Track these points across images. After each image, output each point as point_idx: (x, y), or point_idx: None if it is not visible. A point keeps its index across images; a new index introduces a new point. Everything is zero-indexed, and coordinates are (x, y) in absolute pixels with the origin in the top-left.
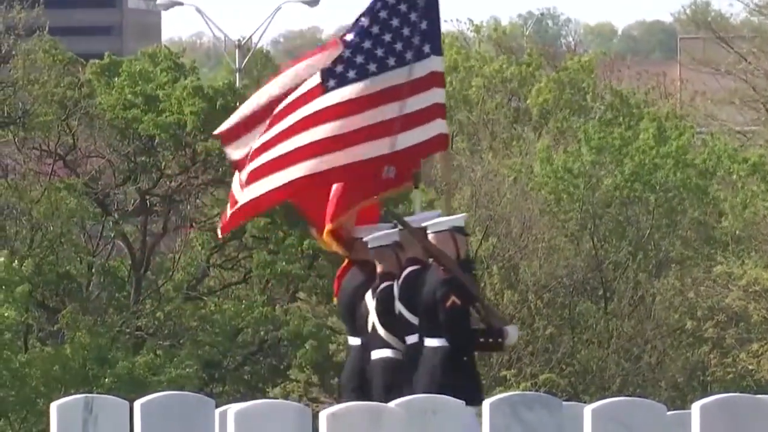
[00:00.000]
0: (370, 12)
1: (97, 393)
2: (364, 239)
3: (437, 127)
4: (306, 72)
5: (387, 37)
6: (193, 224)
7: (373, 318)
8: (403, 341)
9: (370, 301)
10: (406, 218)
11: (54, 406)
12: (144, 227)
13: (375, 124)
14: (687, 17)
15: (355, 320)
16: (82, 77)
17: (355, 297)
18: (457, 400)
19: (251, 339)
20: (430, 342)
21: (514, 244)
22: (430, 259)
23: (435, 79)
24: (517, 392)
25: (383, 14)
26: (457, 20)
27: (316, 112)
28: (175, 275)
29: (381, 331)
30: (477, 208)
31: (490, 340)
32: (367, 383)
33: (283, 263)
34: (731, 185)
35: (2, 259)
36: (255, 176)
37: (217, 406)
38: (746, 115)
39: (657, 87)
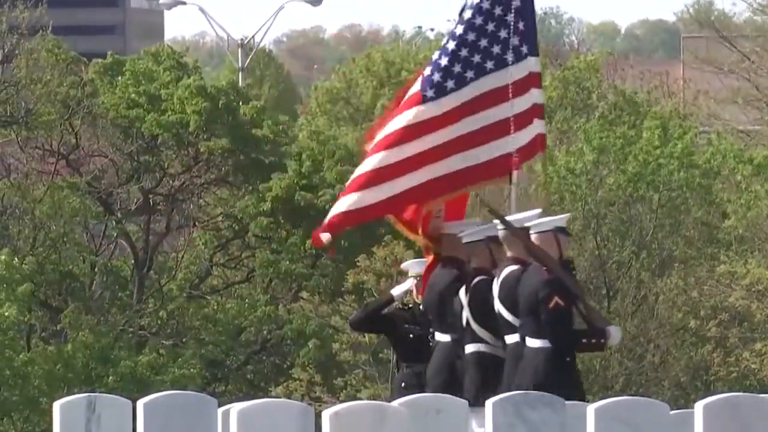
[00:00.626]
0: (461, 20)
1: (100, 392)
2: (458, 235)
3: (537, 127)
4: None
5: (483, 42)
6: (196, 223)
7: (466, 313)
8: (499, 338)
9: (463, 296)
10: (508, 217)
11: (57, 406)
12: (147, 226)
13: (477, 130)
14: (690, 16)
15: (445, 316)
16: (85, 76)
17: (445, 293)
18: (461, 400)
19: (254, 338)
20: (532, 342)
21: None
22: (530, 260)
23: (533, 80)
24: (520, 391)
25: (479, 20)
26: None
27: (417, 123)
28: (178, 274)
29: (474, 326)
30: (480, 207)
31: (593, 340)
32: (457, 378)
33: (286, 262)
34: (735, 185)
35: (3, 257)
36: (358, 185)
37: (219, 405)
38: (749, 115)
39: (660, 86)
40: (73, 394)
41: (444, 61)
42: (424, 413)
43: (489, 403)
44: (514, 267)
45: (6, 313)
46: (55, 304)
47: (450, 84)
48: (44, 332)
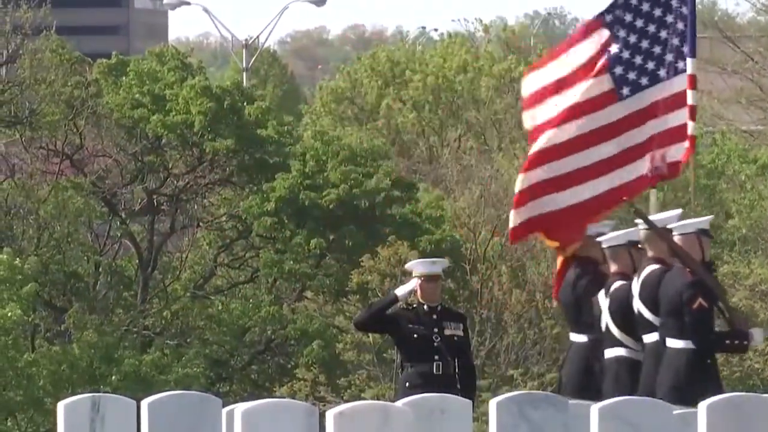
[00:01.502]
0: (641, 13)
1: (104, 392)
2: (597, 239)
3: (689, 130)
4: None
5: (675, 41)
6: (200, 223)
7: (606, 317)
8: (639, 340)
9: (603, 300)
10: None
11: (61, 406)
12: (151, 227)
13: (659, 133)
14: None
15: (580, 317)
16: (89, 77)
17: (581, 294)
18: (465, 400)
19: (258, 338)
20: (674, 343)
21: (522, 244)
22: (672, 260)
23: (688, 83)
24: (524, 391)
25: (669, 18)
26: (465, 20)
27: (612, 124)
28: (182, 274)
29: (614, 330)
30: (485, 207)
31: (735, 342)
32: (594, 380)
33: (290, 262)
34: (739, 185)
35: (5, 257)
36: (554, 186)
37: (224, 405)
38: (753, 115)
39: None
40: (78, 394)
41: (638, 60)
42: (429, 413)
43: (493, 402)
44: (655, 266)
45: (9, 314)
46: (60, 304)
47: (644, 81)
48: (48, 332)
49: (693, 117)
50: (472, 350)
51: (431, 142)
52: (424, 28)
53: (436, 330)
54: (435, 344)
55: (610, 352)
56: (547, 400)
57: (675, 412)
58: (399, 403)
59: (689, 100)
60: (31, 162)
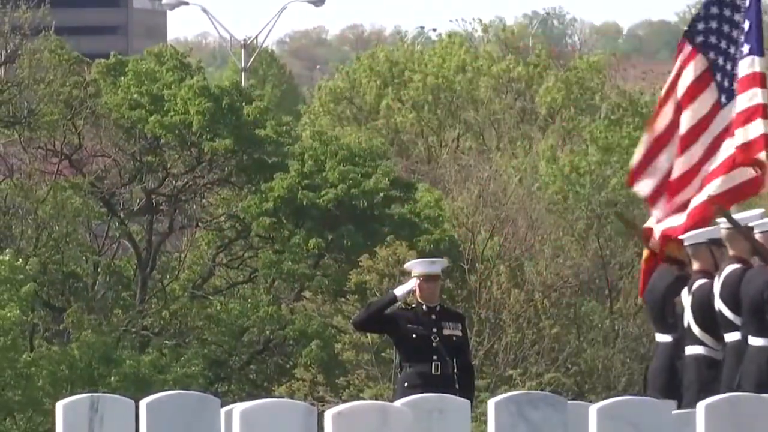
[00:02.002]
0: (725, 18)
1: (103, 392)
2: (679, 236)
3: (760, 127)
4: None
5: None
6: (199, 223)
7: (688, 316)
8: (719, 339)
9: (686, 298)
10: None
11: (59, 406)
12: (150, 227)
13: (746, 142)
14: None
15: (665, 318)
16: (88, 77)
17: (666, 294)
18: (464, 400)
19: (257, 338)
20: (756, 341)
21: (521, 244)
22: (753, 259)
23: (759, 80)
24: (522, 391)
25: (737, 17)
26: (463, 20)
27: (719, 135)
28: (181, 274)
29: (695, 328)
30: (483, 207)
31: None
32: (676, 380)
33: (289, 262)
34: None
35: (7, 257)
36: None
37: (222, 405)
38: None
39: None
40: (76, 394)
41: (729, 65)
42: (427, 413)
43: (491, 402)
44: (736, 265)
45: (9, 314)
46: (58, 304)
47: (736, 86)
48: (47, 332)
49: (765, 115)
50: (471, 350)
51: (430, 142)
52: (422, 28)
53: (434, 330)
54: (434, 344)
55: (689, 350)
56: (545, 400)
57: (674, 411)
58: (397, 403)
59: (760, 98)
60: (29, 162)
